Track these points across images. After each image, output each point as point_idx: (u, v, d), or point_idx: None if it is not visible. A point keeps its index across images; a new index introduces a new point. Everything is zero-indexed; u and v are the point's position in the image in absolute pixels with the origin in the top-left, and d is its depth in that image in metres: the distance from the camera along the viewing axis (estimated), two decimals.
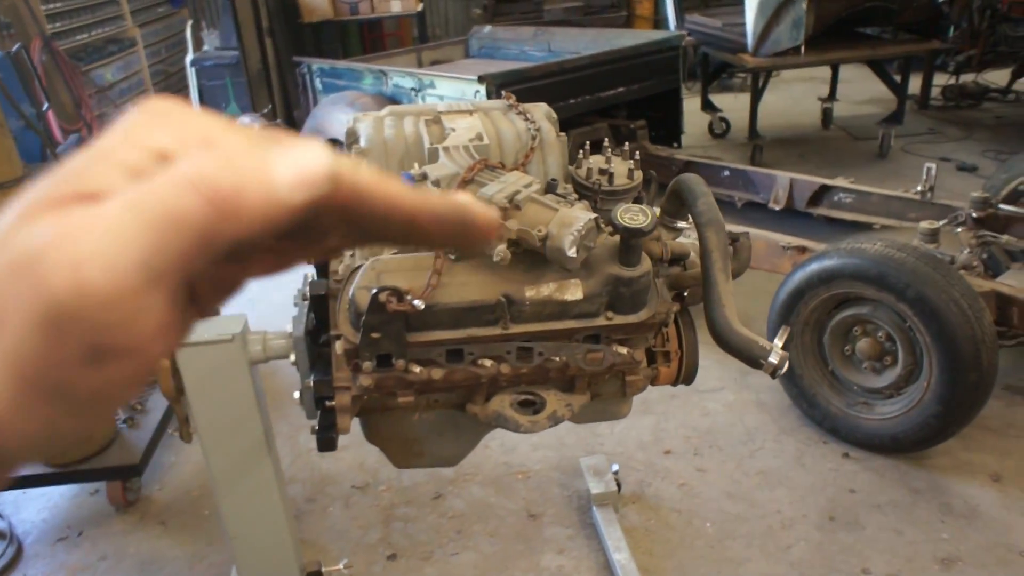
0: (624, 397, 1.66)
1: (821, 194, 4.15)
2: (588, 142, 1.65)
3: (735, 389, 3.18)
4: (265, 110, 5.82)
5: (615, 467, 2.63)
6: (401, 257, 1.44)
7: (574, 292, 1.41)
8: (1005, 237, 3.20)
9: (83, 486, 2.88)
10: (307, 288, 1.56)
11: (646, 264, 1.41)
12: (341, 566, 2.10)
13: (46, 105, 3.92)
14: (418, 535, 2.57)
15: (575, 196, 1.46)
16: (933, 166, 3.65)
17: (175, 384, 1.71)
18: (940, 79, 6.96)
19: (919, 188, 3.69)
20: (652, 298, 1.47)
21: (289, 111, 6.69)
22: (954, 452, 2.72)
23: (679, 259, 1.59)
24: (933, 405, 2.49)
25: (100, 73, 6.89)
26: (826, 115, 6.56)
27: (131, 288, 0.26)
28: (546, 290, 1.40)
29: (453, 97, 4.39)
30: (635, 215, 1.33)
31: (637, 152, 1.61)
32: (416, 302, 1.33)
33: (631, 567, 2.28)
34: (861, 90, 7.55)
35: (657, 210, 1.43)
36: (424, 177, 1.43)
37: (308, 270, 1.73)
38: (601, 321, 1.44)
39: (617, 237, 1.39)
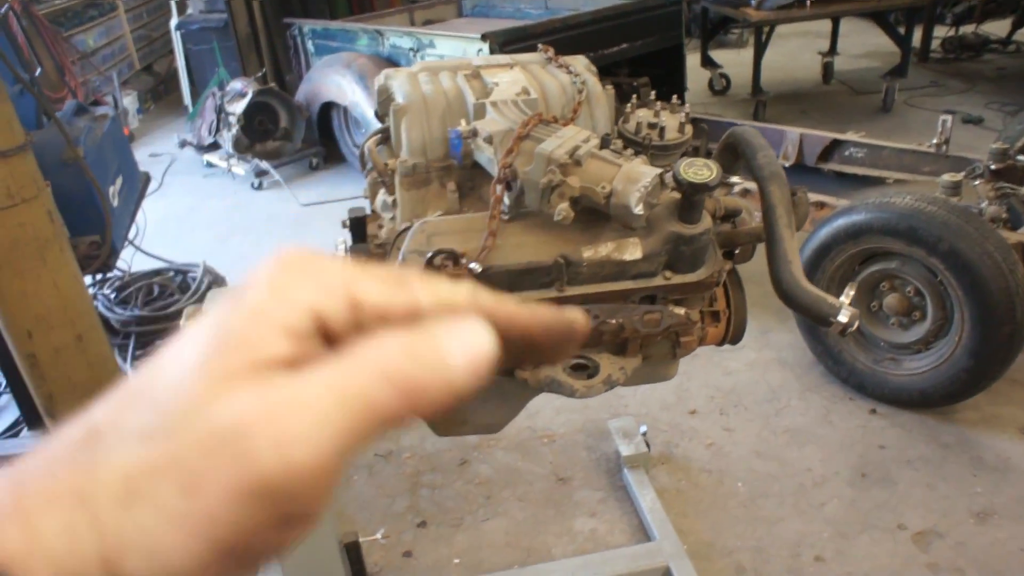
0: (674, 359, 1.62)
1: (832, 149, 4.10)
2: (635, 96, 1.58)
3: (756, 347, 3.15)
4: (258, 75, 5.66)
5: (644, 428, 2.61)
6: (451, 218, 1.38)
7: (633, 252, 1.35)
8: None
9: None
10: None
11: (706, 221, 1.36)
12: (378, 536, 2.07)
13: (39, 70, 3.79)
14: (446, 502, 2.54)
15: (630, 151, 1.40)
16: (948, 118, 3.60)
17: None
18: (939, 31, 6.88)
19: (934, 141, 3.64)
20: (710, 257, 1.42)
21: (280, 75, 6.54)
22: (981, 406, 2.71)
23: (732, 216, 1.54)
24: (964, 359, 2.47)
25: (82, 39, 6.69)
26: (827, 69, 6.47)
27: (330, 467, 0.29)
28: (604, 250, 1.35)
29: (454, 57, 4.28)
30: (699, 170, 1.28)
31: (688, 105, 1.55)
32: (472, 265, 1.28)
33: (667, 528, 2.26)
34: (858, 43, 7.46)
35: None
36: (474, 134, 1.36)
37: (343, 235, 1.66)
38: (659, 281, 1.39)
39: (676, 193, 1.34)
